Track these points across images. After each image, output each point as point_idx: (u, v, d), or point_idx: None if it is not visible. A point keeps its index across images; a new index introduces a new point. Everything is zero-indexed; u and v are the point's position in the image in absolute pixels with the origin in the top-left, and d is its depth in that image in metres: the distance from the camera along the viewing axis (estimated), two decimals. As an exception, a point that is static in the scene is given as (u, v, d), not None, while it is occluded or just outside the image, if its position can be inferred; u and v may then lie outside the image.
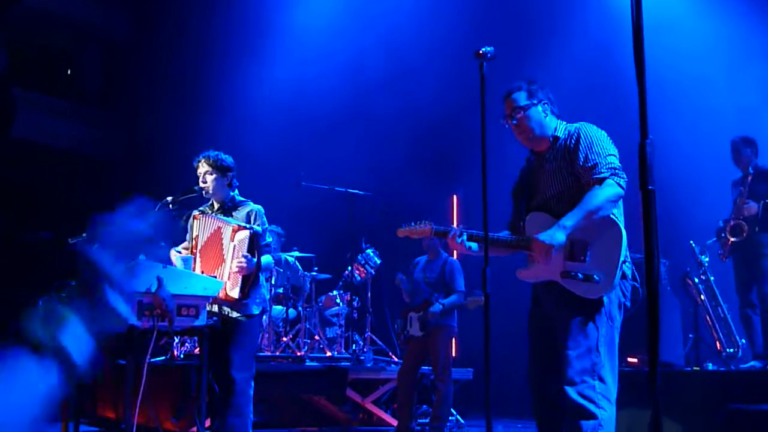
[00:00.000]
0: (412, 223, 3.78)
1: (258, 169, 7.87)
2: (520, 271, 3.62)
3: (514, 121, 3.63)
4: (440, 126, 9.90)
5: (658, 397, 1.90)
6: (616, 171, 3.45)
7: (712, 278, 6.97)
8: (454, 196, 10.48)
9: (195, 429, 4.59)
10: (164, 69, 11.22)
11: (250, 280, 4.62)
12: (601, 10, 8.91)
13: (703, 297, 6.95)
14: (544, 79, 3.76)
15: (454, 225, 9.83)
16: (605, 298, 3.43)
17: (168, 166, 9.78)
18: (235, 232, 4.65)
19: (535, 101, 3.63)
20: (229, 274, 4.60)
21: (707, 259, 6.93)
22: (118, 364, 6.93)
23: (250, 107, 10.51)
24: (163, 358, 7.22)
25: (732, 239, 6.59)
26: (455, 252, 3.79)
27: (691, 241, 7.04)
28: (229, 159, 4.99)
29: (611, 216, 3.44)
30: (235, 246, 4.62)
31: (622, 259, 3.40)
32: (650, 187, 1.93)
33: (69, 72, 13.16)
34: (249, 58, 10.81)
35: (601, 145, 3.51)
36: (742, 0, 8.39)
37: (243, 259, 4.55)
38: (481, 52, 3.34)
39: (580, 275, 3.40)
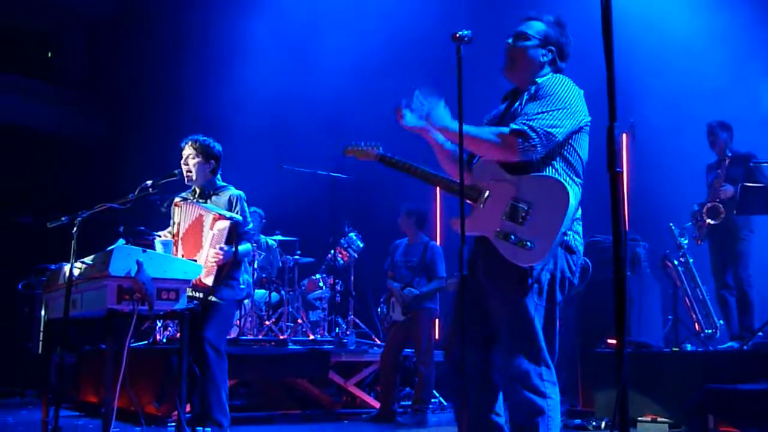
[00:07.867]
0: (362, 143, 3.65)
1: (240, 152, 7.83)
2: (455, 221, 3.09)
3: (508, 45, 3.34)
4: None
5: (626, 376, 1.92)
6: (531, 137, 3.05)
7: (691, 260, 7.02)
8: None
9: (177, 413, 4.58)
10: (147, 51, 11.11)
11: (225, 269, 4.65)
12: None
13: (682, 279, 7.01)
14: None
15: (437, 211, 9.88)
16: (544, 274, 3.08)
17: (149, 150, 9.74)
18: (215, 220, 4.63)
19: (542, 43, 3.31)
20: (206, 261, 4.59)
21: (686, 242, 6.98)
22: (100, 348, 6.96)
23: (233, 89, 10.43)
24: (146, 342, 7.23)
25: (709, 221, 6.64)
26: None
27: (671, 224, 7.09)
28: (217, 146, 4.96)
29: (565, 183, 3.08)
30: (214, 235, 4.61)
31: (563, 229, 3.00)
32: (618, 169, 1.94)
33: (50, 54, 13.02)
34: (234, 40, 10.72)
35: (551, 105, 3.11)
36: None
37: (220, 251, 4.56)
38: (458, 35, 3.12)
39: (512, 238, 3.05)
